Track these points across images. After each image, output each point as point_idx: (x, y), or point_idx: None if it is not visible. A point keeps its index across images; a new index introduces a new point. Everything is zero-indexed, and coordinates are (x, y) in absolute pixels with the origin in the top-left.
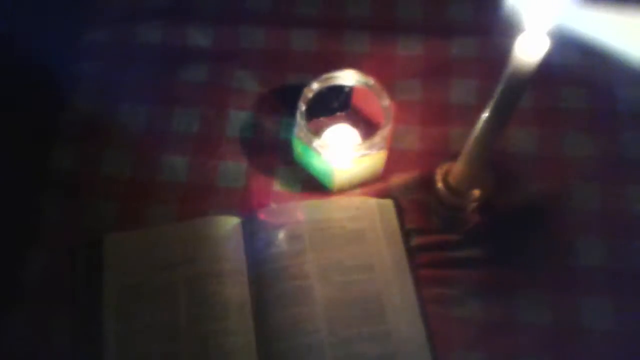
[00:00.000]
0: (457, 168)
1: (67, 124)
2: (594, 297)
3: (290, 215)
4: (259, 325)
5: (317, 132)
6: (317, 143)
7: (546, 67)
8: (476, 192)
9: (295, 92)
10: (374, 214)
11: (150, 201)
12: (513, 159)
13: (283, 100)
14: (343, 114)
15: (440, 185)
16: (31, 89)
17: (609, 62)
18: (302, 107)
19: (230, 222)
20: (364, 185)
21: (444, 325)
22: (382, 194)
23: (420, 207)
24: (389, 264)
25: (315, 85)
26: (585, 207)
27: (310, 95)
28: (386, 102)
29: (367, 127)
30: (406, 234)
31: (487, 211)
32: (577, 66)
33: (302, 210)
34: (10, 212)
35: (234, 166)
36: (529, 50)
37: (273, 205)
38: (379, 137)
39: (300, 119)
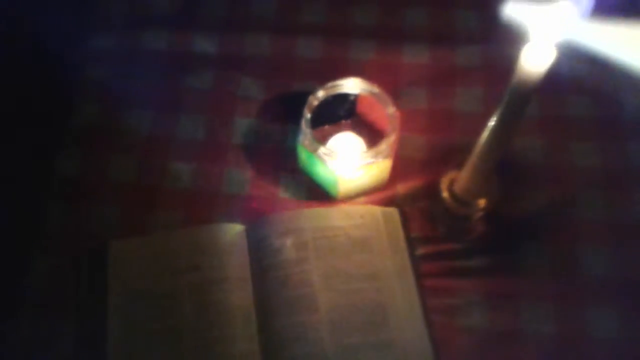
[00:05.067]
0: (462, 177)
1: (73, 130)
2: (600, 306)
3: (295, 223)
4: (263, 333)
5: (322, 140)
6: (322, 151)
7: (552, 76)
8: (482, 201)
9: (300, 99)
10: (378, 223)
11: (155, 208)
12: (519, 167)
13: (288, 107)
14: (348, 122)
15: (445, 194)
16: (37, 95)
17: (616, 71)
18: (307, 115)
19: (235, 230)
20: (368, 193)
21: (448, 334)
22: (386, 203)
23: (425, 215)
24: (394, 273)
25: (321, 93)
26: (592, 216)
27: (315, 103)
28: (391, 110)
29: (372, 135)
30: (411, 243)
31: (492, 220)
32: (583, 74)
33: (307, 218)
34: (15, 218)
35: (238, 173)
36: (535, 60)
37: (277, 213)
38: (384, 145)
39: (305, 127)
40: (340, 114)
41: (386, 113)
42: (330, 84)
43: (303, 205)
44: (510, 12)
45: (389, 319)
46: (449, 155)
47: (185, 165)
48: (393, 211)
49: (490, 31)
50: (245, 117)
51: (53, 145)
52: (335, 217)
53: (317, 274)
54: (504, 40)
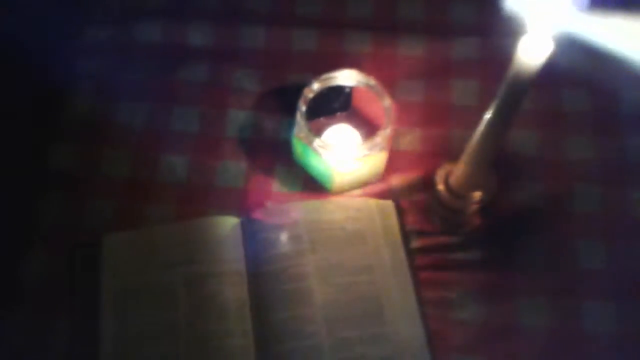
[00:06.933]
0: (458, 170)
1: (66, 123)
2: (596, 300)
3: (290, 216)
4: (258, 326)
5: (317, 132)
6: (317, 143)
7: (549, 68)
8: (477, 194)
9: (295, 92)
10: (374, 215)
11: (149, 201)
12: (515, 161)
13: (283, 100)
14: (344, 114)
15: (441, 187)
16: (30, 88)
17: (613, 64)
18: (303, 107)
19: (230, 223)
20: (364, 186)
21: (443, 327)
22: (382, 195)
23: (421, 208)
24: (389, 266)
25: (316, 85)
26: (587, 210)
27: (310, 95)
28: (387, 102)
29: (368, 127)
30: (406, 236)
31: (488, 213)
32: (580, 68)
33: (302, 211)
34: (8, 212)
35: (233, 166)
36: (532, 52)
37: (272, 206)
38: (379, 138)
39: (300, 119)
40: (335, 106)
41: (382, 105)
42: (325, 76)
43: (298, 198)
44: (508, 3)
45: (385, 312)
46: (445, 148)
47: (179, 158)
48: (388, 204)
49: (486, 23)
50: (240, 109)
51: (46, 138)
52: (331, 210)
53: (312, 267)
54: (500, 32)
